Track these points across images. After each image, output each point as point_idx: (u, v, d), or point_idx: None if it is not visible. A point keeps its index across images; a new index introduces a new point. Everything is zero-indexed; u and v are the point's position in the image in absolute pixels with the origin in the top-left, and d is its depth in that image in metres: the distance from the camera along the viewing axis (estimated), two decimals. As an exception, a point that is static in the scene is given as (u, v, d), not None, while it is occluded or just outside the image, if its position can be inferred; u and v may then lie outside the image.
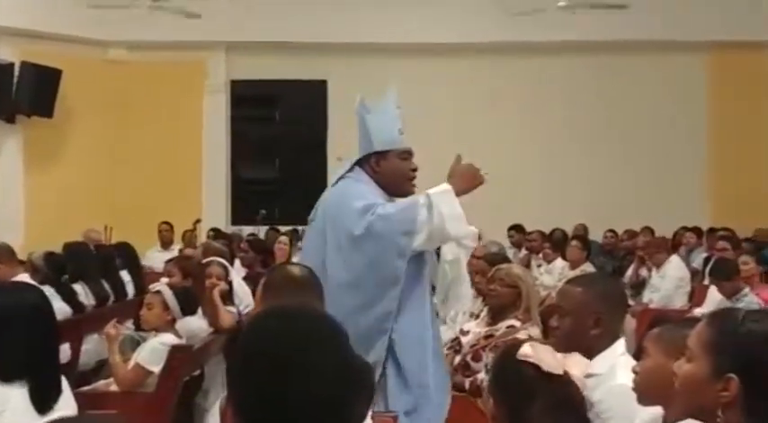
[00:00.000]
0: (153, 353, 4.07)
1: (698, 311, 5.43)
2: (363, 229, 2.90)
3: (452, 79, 11.21)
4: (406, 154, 3.14)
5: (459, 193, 2.97)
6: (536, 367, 1.83)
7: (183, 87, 11.11)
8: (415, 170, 3.15)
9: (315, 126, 11.58)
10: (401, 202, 3.05)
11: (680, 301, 7.33)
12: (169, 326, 4.19)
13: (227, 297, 4.78)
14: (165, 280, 4.32)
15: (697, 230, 9.55)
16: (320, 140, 11.60)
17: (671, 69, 11.21)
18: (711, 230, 9.38)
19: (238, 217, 11.24)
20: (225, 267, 4.73)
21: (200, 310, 4.51)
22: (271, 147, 11.68)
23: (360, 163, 3.14)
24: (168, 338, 4.11)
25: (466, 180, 3.02)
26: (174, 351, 4.03)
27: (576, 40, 10.89)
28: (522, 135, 11.17)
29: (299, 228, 10.47)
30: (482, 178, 3.04)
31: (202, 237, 9.65)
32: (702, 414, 1.67)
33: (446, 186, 2.98)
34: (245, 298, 4.91)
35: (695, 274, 7.85)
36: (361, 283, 2.90)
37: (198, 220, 10.16)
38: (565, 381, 1.82)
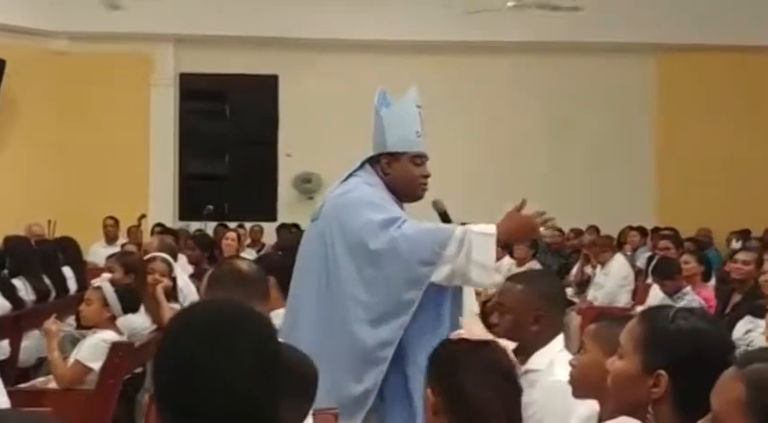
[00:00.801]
0: (93, 350, 4.00)
1: (640, 309, 5.52)
2: (384, 244, 2.67)
3: (402, 77, 11.14)
4: (420, 158, 2.93)
5: (503, 240, 2.73)
6: (466, 341, 1.82)
7: (129, 80, 10.93)
8: (427, 176, 2.93)
9: (265, 121, 11.51)
10: (433, 226, 2.78)
11: (624, 299, 7.45)
12: (110, 323, 4.12)
13: (171, 294, 4.73)
14: (106, 276, 4.24)
15: (642, 230, 9.72)
16: (270, 136, 11.54)
17: (619, 71, 11.38)
18: (655, 230, 9.56)
19: (186, 212, 11.11)
20: (168, 263, 4.68)
21: (142, 307, 4.45)
22: (220, 142, 11.58)
23: (370, 161, 2.95)
24: (109, 335, 4.04)
25: (518, 229, 2.75)
26: (115, 348, 3.96)
27: (525, 41, 10.99)
28: (469, 134, 11.23)
29: (248, 223, 10.43)
30: (538, 232, 2.80)
31: (148, 232, 9.52)
32: (635, 410, 1.69)
33: (491, 229, 2.69)
34: (189, 295, 4.86)
35: (639, 273, 7.98)
36: (369, 299, 2.68)
37: (143, 216, 10.04)
38: (492, 347, 1.83)
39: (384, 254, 2.68)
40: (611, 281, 7.68)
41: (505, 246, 8.46)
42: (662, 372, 1.60)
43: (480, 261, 2.63)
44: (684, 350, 1.59)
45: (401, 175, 2.91)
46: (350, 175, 2.95)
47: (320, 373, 2.04)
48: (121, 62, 10.84)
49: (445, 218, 2.94)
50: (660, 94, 11.59)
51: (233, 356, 1.27)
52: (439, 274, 2.66)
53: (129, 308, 4.12)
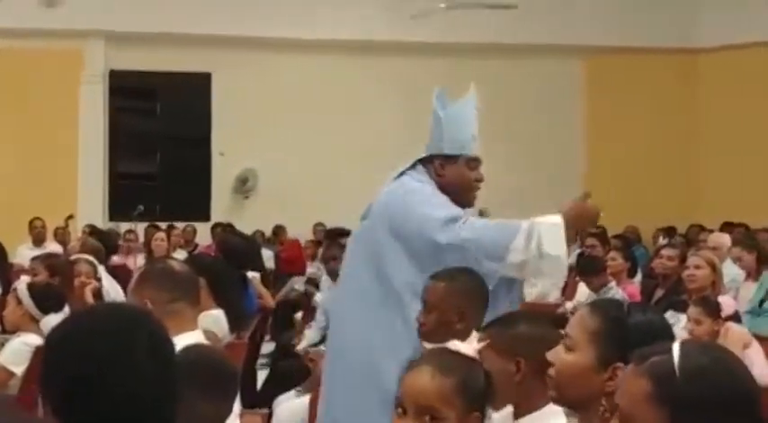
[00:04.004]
0: (15, 354, 3.90)
1: (569, 305, 5.64)
2: (451, 239, 2.62)
3: (339, 77, 11.22)
4: (475, 162, 2.88)
5: (568, 231, 2.65)
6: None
7: (58, 77, 10.66)
8: (481, 181, 2.89)
9: (198, 120, 11.37)
10: (499, 222, 2.73)
11: (555, 296, 7.57)
12: (33, 325, 4.02)
13: (98, 296, 4.64)
14: (25, 278, 4.14)
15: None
16: (203, 135, 11.41)
17: (549, 72, 11.57)
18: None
19: (116, 213, 10.90)
20: (93, 265, 4.60)
21: (66, 309, 4.35)
22: (151, 140, 11.40)
23: (423, 160, 2.88)
24: (32, 339, 3.94)
25: (583, 219, 2.72)
26: (38, 352, 3.87)
27: (456, 42, 11.09)
28: (406, 134, 11.26)
29: (180, 224, 10.29)
30: (597, 222, 2.76)
31: (78, 233, 9.31)
32: (584, 403, 1.69)
33: (557, 219, 2.66)
34: (116, 297, 4.78)
35: (570, 270, 8.12)
36: None
37: (70, 216, 9.82)
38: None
39: (449, 249, 2.62)
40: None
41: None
42: (620, 364, 1.59)
43: (552, 252, 2.60)
44: (641, 343, 1.56)
45: (455, 178, 2.85)
46: (402, 174, 2.88)
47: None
48: (50, 59, 10.58)
49: None
50: (589, 95, 11.83)
51: (127, 359, 1.26)
52: (510, 268, 2.64)
53: (51, 308, 4.02)
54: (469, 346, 1.69)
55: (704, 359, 1.30)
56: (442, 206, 2.75)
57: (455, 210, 2.76)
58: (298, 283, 8.32)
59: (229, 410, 2.00)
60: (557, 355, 1.72)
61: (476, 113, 2.94)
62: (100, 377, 1.24)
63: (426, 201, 2.75)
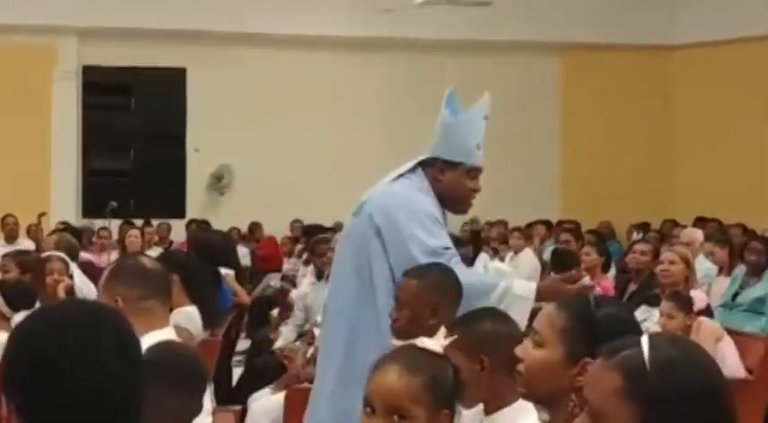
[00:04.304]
0: (-15, 352, 3.85)
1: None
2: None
3: (315, 73, 11.19)
4: (476, 172, 2.88)
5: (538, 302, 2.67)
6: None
7: (30, 73, 10.55)
8: (477, 191, 2.89)
9: (172, 116, 11.30)
10: (479, 275, 2.79)
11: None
12: (4, 323, 3.97)
13: (71, 293, 4.59)
14: (-5, 275, 4.09)
15: (548, 224, 9.95)
16: (178, 131, 11.33)
17: (526, 68, 11.62)
18: (560, 224, 9.80)
19: (89, 210, 10.81)
20: (65, 262, 4.55)
21: (37, 305, 4.31)
22: (125, 137, 11.30)
23: (423, 163, 2.86)
24: (2, 337, 3.89)
25: (552, 296, 2.67)
26: (9, 350, 3.82)
27: (432, 39, 11.10)
28: (380, 130, 11.28)
29: (155, 221, 10.22)
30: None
31: (50, 230, 9.22)
32: (553, 398, 1.69)
33: (531, 292, 2.72)
34: (89, 294, 4.73)
35: (545, 266, 8.17)
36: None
37: (43, 214, 9.73)
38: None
39: None
40: (520, 274, 7.85)
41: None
42: (589, 360, 1.58)
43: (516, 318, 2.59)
44: (611, 338, 1.54)
45: (453, 185, 2.84)
46: (401, 176, 2.86)
47: None
48: (22, 55, 10.45)
49: (476, 238, 2.92)
50: (564, 92, 11.89)
51: (94, 355, 1.24)
52: None
53: (22, 306, 3.97)
54: (437, 342, 1.68)
55: (674, 352, 1.29)
56: (434, 235, 2.74)
57: (445, 240, 2.77)
58: (274, 280, 8.30)
59: (199, 407, 1.99)
60: (525, 350, 1.72)
61: (485, 123, 2.93)
62: (66, 372, 1.23)
63: (421, 223, 2.74)
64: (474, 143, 2.89)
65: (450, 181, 2.85)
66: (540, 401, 1.76)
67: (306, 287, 5.57)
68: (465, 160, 2.86)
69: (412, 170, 2.88)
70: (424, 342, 1.68)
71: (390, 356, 1.66)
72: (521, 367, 1.71)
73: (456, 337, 1.76)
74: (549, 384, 1.66)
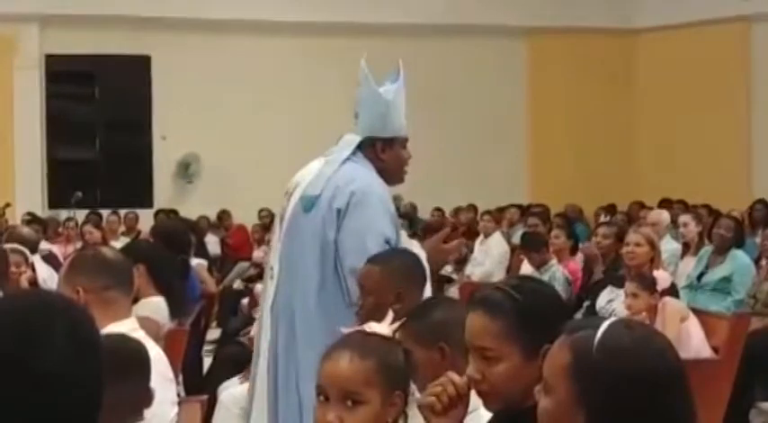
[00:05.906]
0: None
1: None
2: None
3: (281, 59, 11.12)
4: (406, 141, 2.95)
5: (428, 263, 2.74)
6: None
7: (-9, 62, 10.39)
8: (409, 158, 2.96)
9: (137, 104, 11.17)
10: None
11: (499, 275, 7.65)
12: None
13: (35, 285, 4.54)
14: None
15: (521, 207, 10.00)
16: (143, 119, 11.21)
17: (492, 53, 11.63)
18: (529, 207, 9.85)
19: (55, 200, 10.67)
20: (23, 254, 4.50)
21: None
22: (89, 126, 11.16)
23: (360, 145, 2.86)
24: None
25: (436, 257, 2.91)
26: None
27: (399, 23, 11.06)
28: (348, 117, 11.24)
29: (122, 210, 10.11)
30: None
31: (16, 221, 9.09)
32: (523, 397, 1.60)
33: (422, 255, 2.76)
34: (52, 285, 4.67)
35: (515, 250, 8.22)
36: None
37: (7, 205, 9.59)
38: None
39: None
40: (490, 258, 7.88)
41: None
42: (548, 345, 1.47)
43: None
44: (551, 318, 1.56)
45: (395, 160, 2.90)
46: (347, 159, 2.85)
47: None
48: (-19, 44, 10.29)
49: (413, 219, 2.96)
50: (530, 75, 11.93)
51: (47, 339, 1.22)
52: None
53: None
54: (385, 325, 1.68)
55: (625, 339, 1.30)
56: (393, 227, 2.77)
57: (394, 234, 2.78)
58: (243, 268, 8.26)
59: (148, 398, 1.98)
60: (482, 371, 1.63)
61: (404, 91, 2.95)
62: (19, 357, 1.21)
63: (384, 216, 2.76)
64: (403, 116, 2.93)
65: (392, 158, 2.89)
66: (514, 405, 1.66)
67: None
68: (399, 134, 2.91)
69: (353, 153, 2.88)
70: (372, 327, 1.67)
71: (340, 343, 1.65)
72: (484, 387, 1.63)
73: (405, 319, 1.76)
74: (522, 386, 1.61)
